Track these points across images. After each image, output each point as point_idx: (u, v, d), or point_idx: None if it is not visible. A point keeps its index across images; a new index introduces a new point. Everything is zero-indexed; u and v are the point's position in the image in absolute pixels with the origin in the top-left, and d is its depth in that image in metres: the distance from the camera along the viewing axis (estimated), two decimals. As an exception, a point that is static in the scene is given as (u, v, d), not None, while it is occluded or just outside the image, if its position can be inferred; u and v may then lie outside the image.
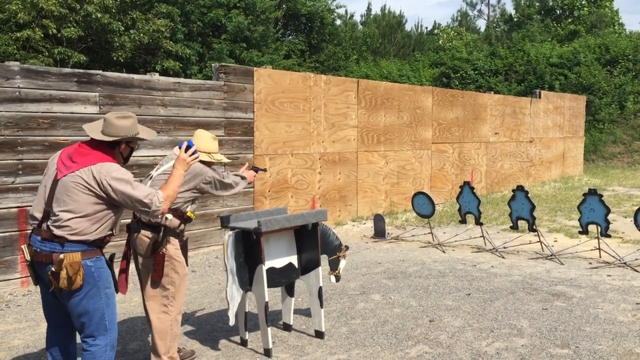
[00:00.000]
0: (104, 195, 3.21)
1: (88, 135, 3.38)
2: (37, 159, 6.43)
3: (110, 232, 3.36)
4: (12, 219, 6.30)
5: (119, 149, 3.44)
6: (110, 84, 7.07)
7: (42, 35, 14.17)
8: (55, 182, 3.24)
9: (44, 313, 3.48)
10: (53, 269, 3.14)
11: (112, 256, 3.55)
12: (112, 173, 3.22)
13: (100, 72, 7.06)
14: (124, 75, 7.34)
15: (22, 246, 3.32)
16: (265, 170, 5.07)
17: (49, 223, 3.20)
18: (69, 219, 3.17)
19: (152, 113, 7.48)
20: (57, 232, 3.17)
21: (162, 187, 3.46)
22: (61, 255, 3.13)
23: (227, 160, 4.54)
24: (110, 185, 3.20)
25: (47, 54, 14.48)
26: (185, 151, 3.58)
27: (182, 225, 4.07)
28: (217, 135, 8.01)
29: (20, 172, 6.36)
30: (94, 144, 3.35)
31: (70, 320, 3.40)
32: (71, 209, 3.18)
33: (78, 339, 3.45)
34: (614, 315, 5.17)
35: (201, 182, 4.05)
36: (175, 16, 17.34)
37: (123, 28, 15.39)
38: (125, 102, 7.20)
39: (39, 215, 3.27)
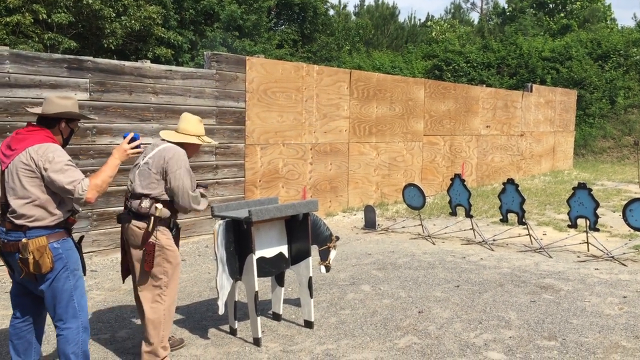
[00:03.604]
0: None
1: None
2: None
3: (71, 212, 3.34)
4: None
5: (58, 127, 3.41)
6: (101, 70, 7.01)
7: (32, 21, 14.00)
8: (2, 173, 3.27)
9: (11, 301, 3.51)
10: (20, 255, 3.18)
11: (81, 238, 3.55)
12: (47, 153, 3.22)
13: (91, 58, 7.00)
14: (115, 62, 7.28)
15: None
16: (206, 187, 4.39)
17: (8, 214, 3.23)
18: (22, 206, 3.19)
19: (143, 100, 7.43)
20: (17, 221, 3.20)
21: (93, 174, 3.40)
22: (24, 240, 3.16)
23: (215, 143, 4.51)
24: (43, 167, 3.20)
25: (37, 39, 14.32)
26: (130, 142, 3.55)
27: (174, 216, 4.05)
28: (208, 124, 8.03)
29: (9, 158, 6.30)
30: (31, 127, 3.35)
31: (32, 310, 3.44)
32: (21, 196, 3.20)
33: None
34: (601, 308, 5.22)
35: (168, 173, 3.86)
36: (168, 3, 17.19)
37: (114, 14, 15.24)
38: (116, 89, 7.15)
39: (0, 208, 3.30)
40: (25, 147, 3.23)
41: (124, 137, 3.58)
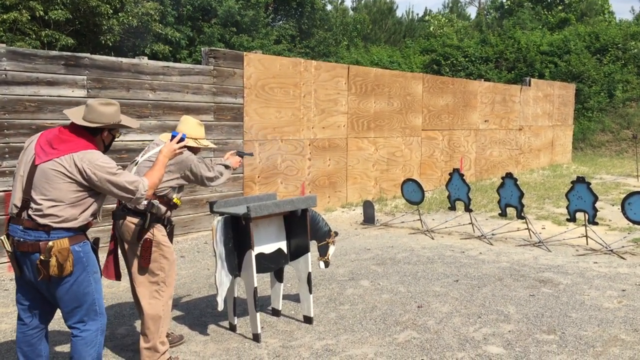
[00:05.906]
0: (86, 183, 3.14)
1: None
2: (24, 143, 6.33)
3: (93, 217, 3.31)
4: (-2, 203, 6.25)
5: (101, 136, 3.36)
6: (98, 67, 6.99)
7: (29, 18, 13.94)
8: (34, 167, 3.14)
9: (18, 306, 3.34)
10: (42, 257, 3.06)
11: (97, 240, 3.51)
12: (95, 161, 3.14)
13: (88, 55, 6.98)
14: (112, 58, 7.26)
15: (1, 237, 3.22)
16: (251, 154, 5.00)
17: (30, 212, 3.10)
18: (52, 207, 3.09)
19: (140, 97, 7.41)
20: (41, 220, 3.08)
21: (147, 174, 3.41)
22: (50, 243, 3.05)
23: (213, 146, 4.53)
24: (94, 174, 3.12)
25: (34, 36, 14.27)
26: (177, 142, 3.60)
27: (169, 212, 4.06)
28: (206, 120, 8.02)
29: (7, 155, 6.30)
30: (75, 129, 3.26)
31: (43, 315, 3.34)
32: (53, 198, 3.09)
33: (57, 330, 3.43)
34: (600, 301, 5.23)
35: (186, 170, 4.03)
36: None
37: (111, 11, 15.19)
38: (114, 86, 7.13)
39: (18, 203, 3.15)
40: (68, 151, 3.13)
41: (173, 137, 3.64)
